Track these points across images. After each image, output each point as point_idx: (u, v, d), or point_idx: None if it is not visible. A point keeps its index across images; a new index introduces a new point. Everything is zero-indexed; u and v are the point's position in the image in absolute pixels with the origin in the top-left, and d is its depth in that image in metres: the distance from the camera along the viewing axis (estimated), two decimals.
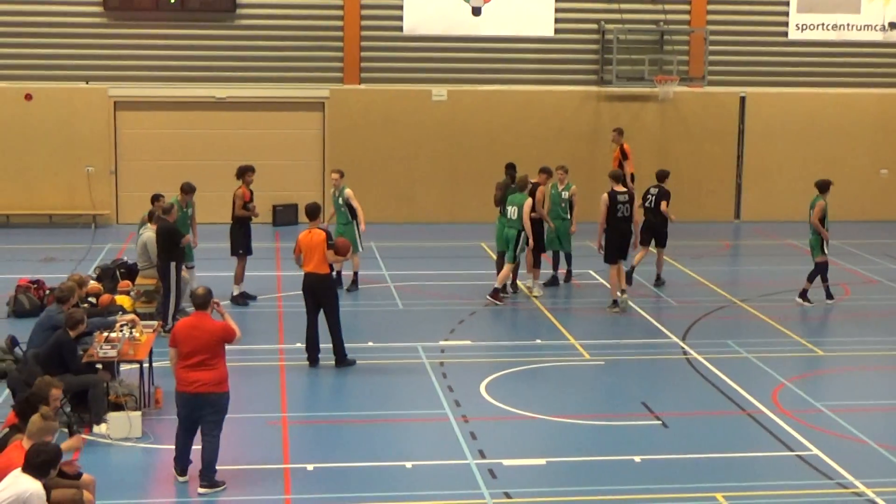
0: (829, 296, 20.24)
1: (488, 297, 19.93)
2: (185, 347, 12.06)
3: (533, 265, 20.57)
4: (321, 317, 16.34)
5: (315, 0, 27.45)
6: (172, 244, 18.01)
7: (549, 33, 28.11)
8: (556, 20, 28.05)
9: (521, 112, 27.92)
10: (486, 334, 18.66)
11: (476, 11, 27.63)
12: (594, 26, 28.17)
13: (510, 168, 21.15)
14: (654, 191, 21.18)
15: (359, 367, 16.38)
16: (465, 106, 27.82)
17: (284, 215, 27.41)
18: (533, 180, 20.56)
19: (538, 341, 17.90)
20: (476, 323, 19.11)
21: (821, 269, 19.98)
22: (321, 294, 16.29)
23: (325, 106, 27.58)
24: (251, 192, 20.09)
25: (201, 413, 12.05)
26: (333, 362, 16.37)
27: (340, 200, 20.53)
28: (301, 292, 16.55)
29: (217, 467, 12.18)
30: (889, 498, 12.06)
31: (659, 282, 21.52)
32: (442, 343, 17.67)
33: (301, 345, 16.69)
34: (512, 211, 19.83)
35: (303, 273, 16.45)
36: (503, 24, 27.82)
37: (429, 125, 27.81)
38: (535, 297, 20.43)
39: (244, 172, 20.16)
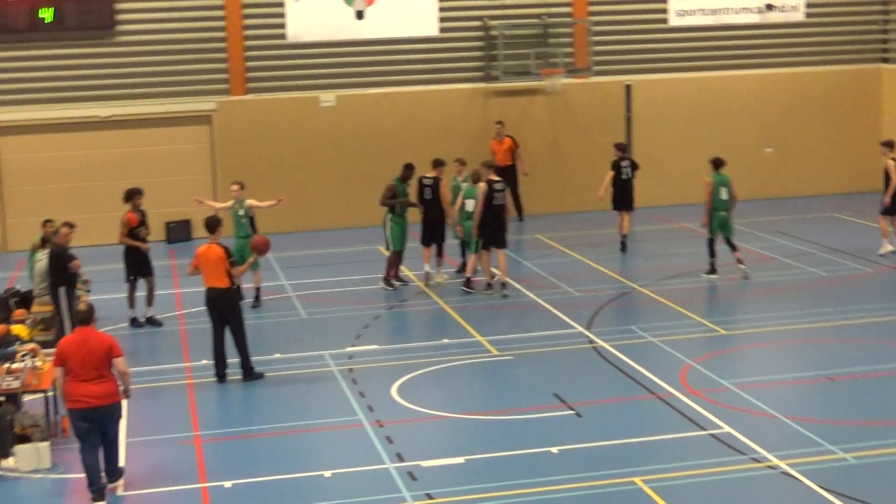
0: (713, 270, 21.08)
1: (462, 287, 20.66)
2: (73, 363, 12.05)
3: (437, 254, 21.31)
4: (227, 331, 16.17)
5: (196, 13, 27.06)
6: (61, 268, 17.66)
7: (434, 33, 28.13)
8: (441, 19, 28.08)
9: (410, 113, 27.89)
10: (392, 337, 18.65)
11: (359, 15, 27.53)
12: (478, 23, 28.26)
13: (408, 168, 21.23)
14: (625, 163, 23.59)
15: (268, 379, 16.24)
16: (354, 110, 27.70)
17: (177, 232, 26.99)
18: (431, 174, 21.26)
19: (445, 340, 17.90)
20: (381, 326, 19.07)
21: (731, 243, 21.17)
22: (224, 308, 16.13)
23: (213, 119, 27.24)
24: (142, 215, 19.47)
25: (101, 426, 12.10)
26: (241, 377, 16.20)
27: (241, 212, 20.25)
28: (204, 308, 16.38)
29: (133, 492, 12.15)
30: (802, 469, 12.30)
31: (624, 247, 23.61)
32: (349, 349, 17.58)
33: (207, 361, 16.49)
34: (470, 204, 20.52)
35: (204, 289, 16.28)
36: (387, 26, 27.75)
37: (318, 132, 27.63)
38: (439, 282, 21.27)
39: (132, 196, 19.51)
